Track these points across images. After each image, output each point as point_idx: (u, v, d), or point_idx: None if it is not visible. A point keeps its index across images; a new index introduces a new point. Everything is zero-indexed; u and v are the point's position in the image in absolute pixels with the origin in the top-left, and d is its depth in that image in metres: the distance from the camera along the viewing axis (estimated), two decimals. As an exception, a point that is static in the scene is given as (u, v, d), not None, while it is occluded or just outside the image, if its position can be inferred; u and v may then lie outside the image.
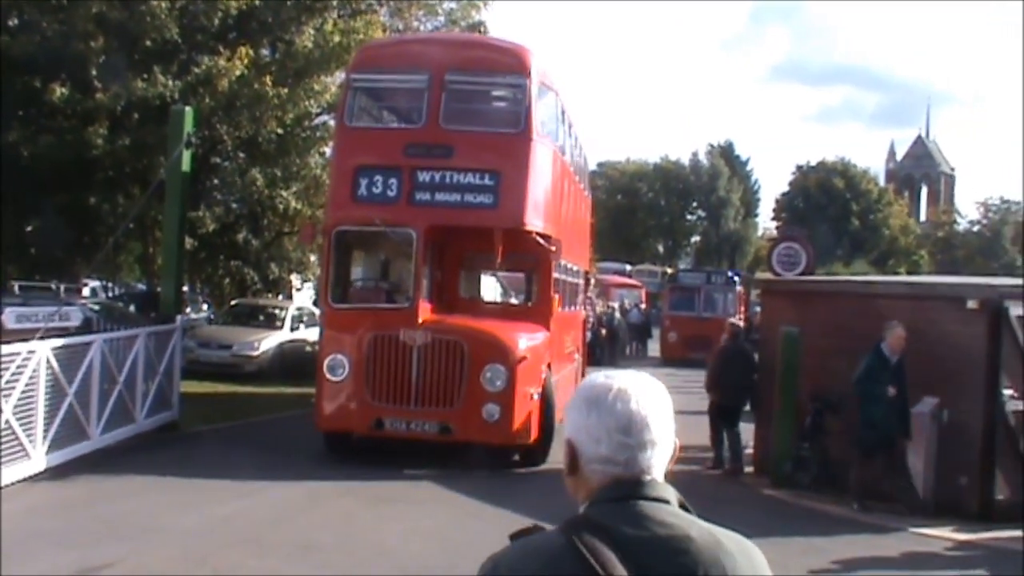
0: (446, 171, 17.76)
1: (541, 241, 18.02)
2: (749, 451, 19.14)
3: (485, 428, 17.16)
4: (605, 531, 2.60)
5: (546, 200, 18.63)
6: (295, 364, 29.17)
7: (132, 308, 32.01)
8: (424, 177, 17.78)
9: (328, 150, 33.65)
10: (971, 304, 15.78)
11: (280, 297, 37.58)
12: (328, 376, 17.32)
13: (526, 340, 17.86)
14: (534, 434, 17.58)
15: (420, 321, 17.22)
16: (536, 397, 17.62)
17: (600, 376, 2.80)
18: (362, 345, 17.16)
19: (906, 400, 15.29)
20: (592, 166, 56.71)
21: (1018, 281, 19.62)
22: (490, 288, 23.63)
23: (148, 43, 28.57)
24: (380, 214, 17.71)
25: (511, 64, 18.65)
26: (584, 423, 2.74)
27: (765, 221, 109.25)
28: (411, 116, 19.49)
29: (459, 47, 20.31)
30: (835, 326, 17.56)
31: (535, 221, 18.07)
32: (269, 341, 29.67)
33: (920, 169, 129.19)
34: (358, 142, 18.73)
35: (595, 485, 2.73)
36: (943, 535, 14.34)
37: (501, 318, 19.84)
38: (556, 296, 19.44)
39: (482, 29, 35.31)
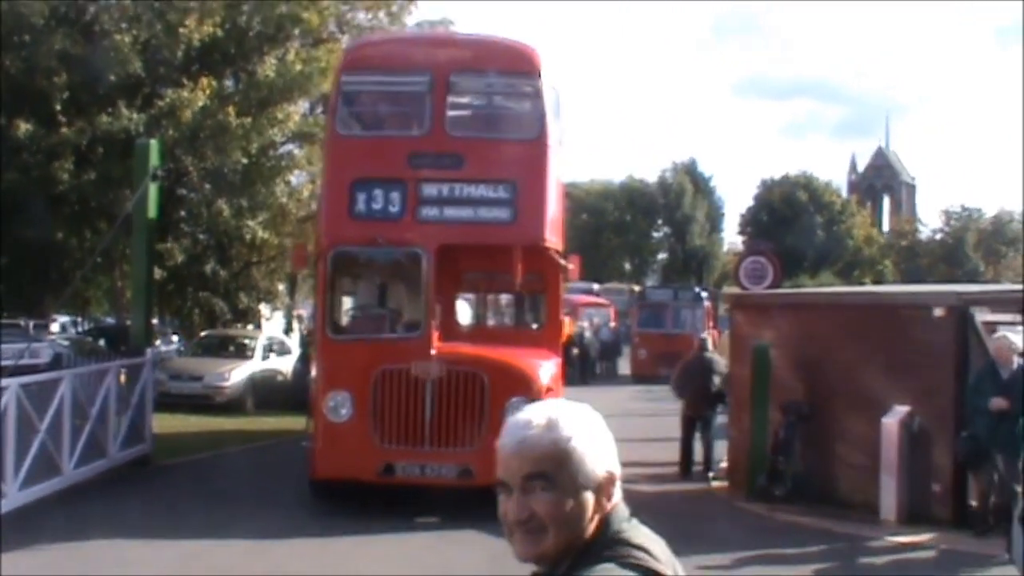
0: (456, 183, 15.97)
1: (558, 259, 16.74)
2: (724, 464, 19.22)
3: None
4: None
5: (558, 213, 17.01)
6: (267, 394, 29.21)
7: (102, 342, 31.91)
8: (431, 190, 15.92)
9: (294, 179, 33.82)
10: (937, 312, 15.85)
11: (250, 327, 37.46)
12: (329, 417, 15.29)
13: (547, 369, 16.12)
14: None
15: (433, 352, 15.13)
16: None
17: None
18: (368, 381, 15.13)
19: (1019, 417, 13.71)
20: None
21: (982, 287, 19.73)
22: (463, 312, 21.42)
23: (112, 78, 28.54)
24: (383, 232, 15.83)
25: (520, 63, 16.68)
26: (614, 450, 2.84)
27: (731, 236, 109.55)
28: (412, 122, 17.15)
29: (462, 45, 17.98)
30: (804, 338, 17.62)
31: (552, 237, 16.50)
32: (240, 371, 29.55)
33: (881, 180, 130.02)
34: (353, 152, 16.60)
35: (610, 508, 2.80)
36: (920, 541, 14.39)
37: (510, 344, 17.16)
38: (566, 319, 17.96)
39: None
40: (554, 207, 16.57)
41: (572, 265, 17.28)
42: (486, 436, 14.41)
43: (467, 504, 13.67)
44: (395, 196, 15.73)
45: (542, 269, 16.65)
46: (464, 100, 17.11)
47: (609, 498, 2.81)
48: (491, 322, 19.62)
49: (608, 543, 2.76)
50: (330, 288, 16.40)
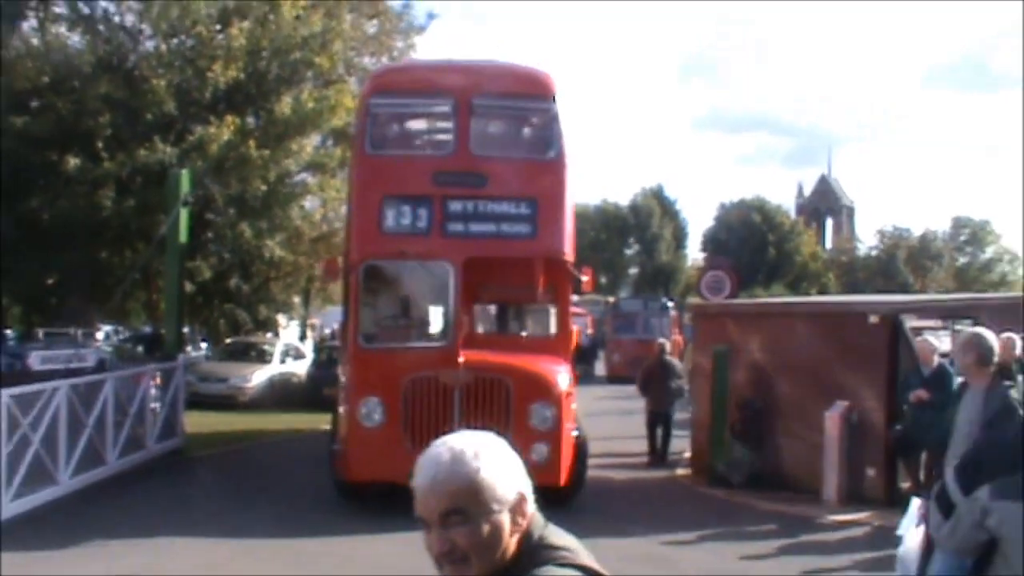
0: (479, 200, 15.21)
1: (574, 271, 15.99)
2: (687, 455, 19.34)
3: (534, 470, 14.25)
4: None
5: (572, 228, 16.04)
6: (284, 394, 29.31)
7: (140, 349, 31.94)
8: (456, 207, 15.15)
9: (307, 203, 33.85)
10: (872, 319, 15.97)
11: (269, 335, 37.45)
12: (362, 423, 14.42)
13: (564, 375, 15.22)
14: (569, 473, 14.91)
15: (461, 360, 14.32)
16: (574, 435, 15.22)
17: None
18: (398, 388, 14.35)
19: (939, 409, 14.18)
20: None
21: (911, 297, 19.83)
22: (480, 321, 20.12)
23: (149, 117, 28.75)
24: (411, 246, 15.07)
25: (537, 88, 15.93)
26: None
27: (694, 253, 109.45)
28: (437, 142, 16.77)
29: (480, 71, 16.62)
30: (758, 342, 17.72)
31: (569, 250, 15.70)
32: (260, 374, 29.70)
33: (825, 203, 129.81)
34: (381, 171, 15.66)
35: (526, 523, 2.70)
36: (858, 519, 14.50)
37: (524, 352, 15.99)
38: (576, 328, 16.95)
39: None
40: (569, 223, 15.89)
41: (586, 277, 16.62)
42: (512, 440, 13.06)
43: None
44: (422, 212, 15.06)
45: (553, 280, 15.95)
46: (485, 122, 16.30)
47: (524, 515, 2.69)
48: (504, 331, 18.53)
49: (534, 551, 2.67)
50: (361, 299, 15.44)
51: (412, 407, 14.28)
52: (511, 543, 2.66)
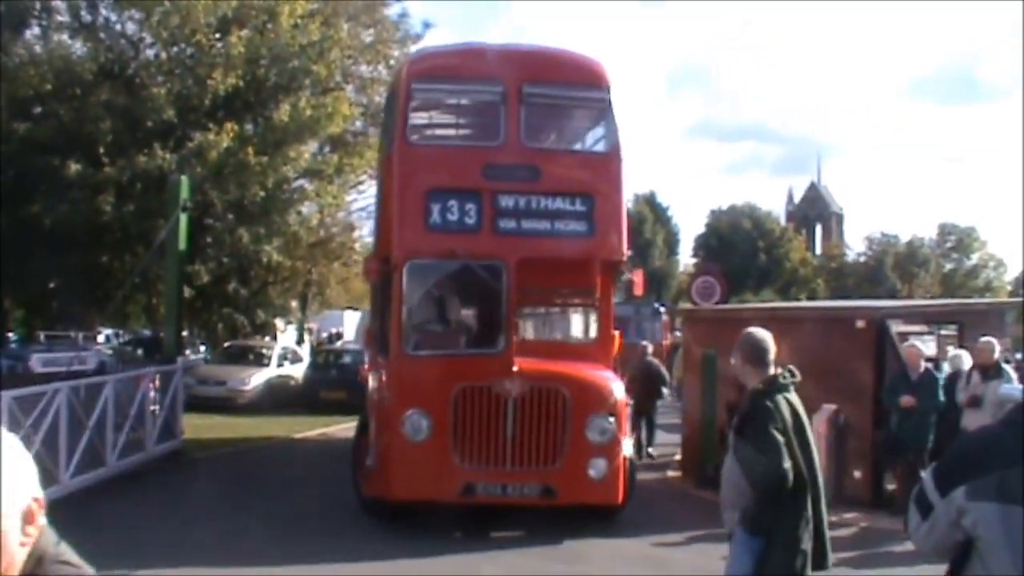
0: (532, 195, 13.76)
1: (629, 274, 15.16)
2: (678, 457, 19.40)
3: (592, 487, 13.13)
4: None
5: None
6: (281, 396, 29.34)
7: (140, 352, 31.98)
8: (507, 202, 13.69)
9: (304, 209, 33.89)
10: (859, 324, 16.03)
11: (267, 338, 37.47)
12: (407, 437, 12.95)
13: (619, 384, 14.06)
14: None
15: (515, 369, 12.97)
16: (627, 448, 14.16)
17: None
18: (447, 399, 12.96)
19: (925, 413, 14.39)
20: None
21: (897, 303, 19.90)
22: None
23: (149, 123, 28.80)
24: (460, 245, 13.48)
25: (590, 76, 14.50)
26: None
27: (685, 259, 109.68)
28: (485, 132, 15.02)
29: (532, 56, 15.05)
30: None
31: (626, 251, 14.55)
32: (258, 377, 29.75)
33: (814, 210, 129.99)
34: (425, 162, 14.22)
35: (38, 535, 2.38)
36: (844, 520, 14.52)
37: (568, 359, 14.44)
38: (617, 332, 15.15)
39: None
40: (625, 221, 14.65)
41: (637, 279, 15.51)
42: (568, 453, 12.96)
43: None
44: (471, 207, 13.57)
45: (593, 283, 14.56)
46: (537, 111, 14.48)
47: (35, 524, 2.35)
48: (546, 336, 17.17)
49: (47, 567, 2.36)
50: (406, 302, 13.76)
51: (461, 420, 12.94)
52: (19, 556, 2.31)
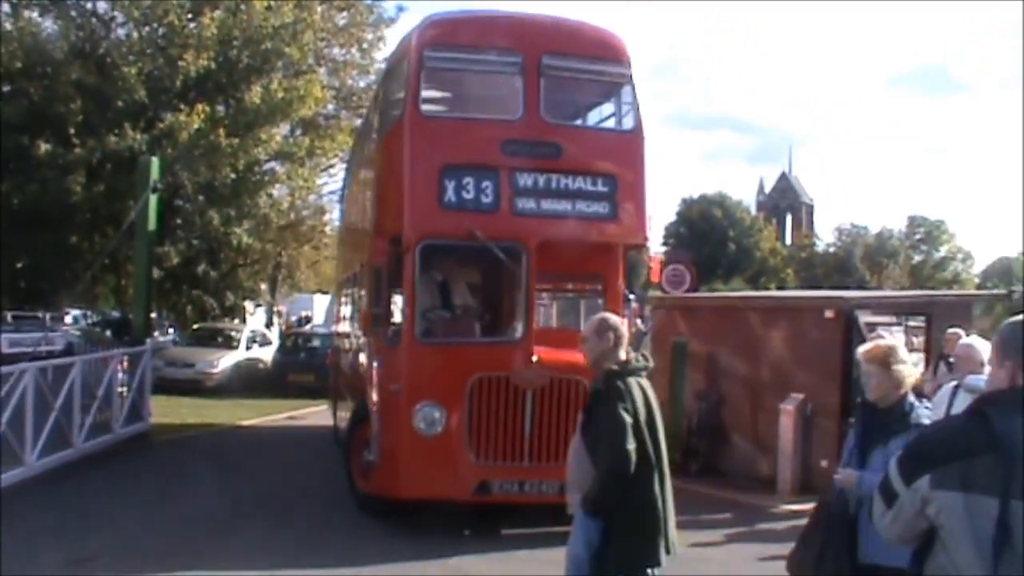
0: (552, 174, 12.81)
1: (648, 260, 13.78)
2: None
3: None
4: None
5: None
6: (250, 379, 29.28)
7: (108, 333, 31.80)
8: (526, 181, 12.73)
9: (275, 192, 33.80)
10: (828, 314, 16.09)
11: (236, 321, 37.37)
12: (420, 431, 12.09)
13: None
14: None
15: (535, 359, 12.20)
16: None
17: None
18: (462, 391, 12.09)
19: None
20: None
21: (866, 294, 20.01)
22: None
23: (119, 103, 28.65)
24: (478, 225, 12.38)
25: (611, 51, 13.55)
26: None
27: (656, 247, 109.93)
28: (503, 106, 13.68)
29: (549, 26, 13.85)
30: (716, 335, 17.84)
31: (650, 236, 13.66)
32: (227, 360, 29.67)
33: (785, 200, 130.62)
34: (439, 135, 13.02)
35: None
36: (809, 508, 14.60)
37: (575, 347, 11.93)
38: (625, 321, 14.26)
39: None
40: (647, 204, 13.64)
41: (654, 265, 14.22)
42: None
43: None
44: (487, 186, 12.60)
45: (601, 269, 13.80)
46: (556, 85, 13.44)
47: None
48: (551, 323, 16.23)
49: None
50: (419, 286, 12.67)
51: (477, 413, 12.12)
52: None
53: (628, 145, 13.40)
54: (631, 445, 6.55)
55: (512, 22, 13.52)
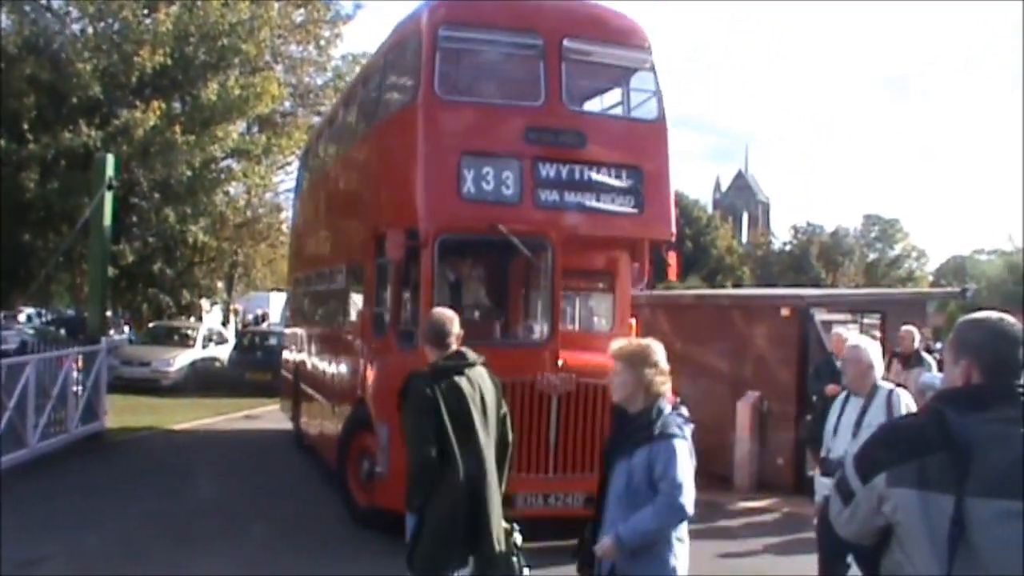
0: (576, 164, 11.93)
1: (669, 258, 13.56)
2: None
3: None
4: None
5: None
6: (206, 378, 29.14)
7: (63, 332, 31.59)
8: (548, 171, 11.80)
9: (231, 189, 33.67)
10: (784, 312, 16.21)
11: (192, 319, 37.18)
12: None
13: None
14: None
15: (561, 363, 11.45)
16: None
17: None
18: None
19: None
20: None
21: (822, 291, 20.14)
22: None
23: (74, 100, 28.41)
24: (499, 218, 11.49)
25: (633, 36, 12.80)
26: None
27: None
28: (524, 91, 12.63)
29: (571, 9, 12.96)
30: (673, 333, 17.89)
31: (675, 231, 12.96)
32: (183, 358, 29.51)
33: (741, 199, 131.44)
34: (457, 120, 11.97)
35: None
36: (768, 506, 14.74)
37: (591, 349, 12.09)
38: (634, 321, 13.60)
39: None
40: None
41: (672, 261, 13.93)
42: None
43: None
44: (508, 176, 11.67)
45: (612, 267, 13.44)
46: (578, 69, 12.61)
47: None
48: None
49: None
50: (437, 283, 11.75)
51: None
52: None
53: (652, 135, 12.65)
54: (426, 447, 6.58)
55: (531, 2, 12.75)
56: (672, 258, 13.84)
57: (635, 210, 12.16)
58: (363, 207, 14.23)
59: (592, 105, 13.61)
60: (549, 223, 11.63)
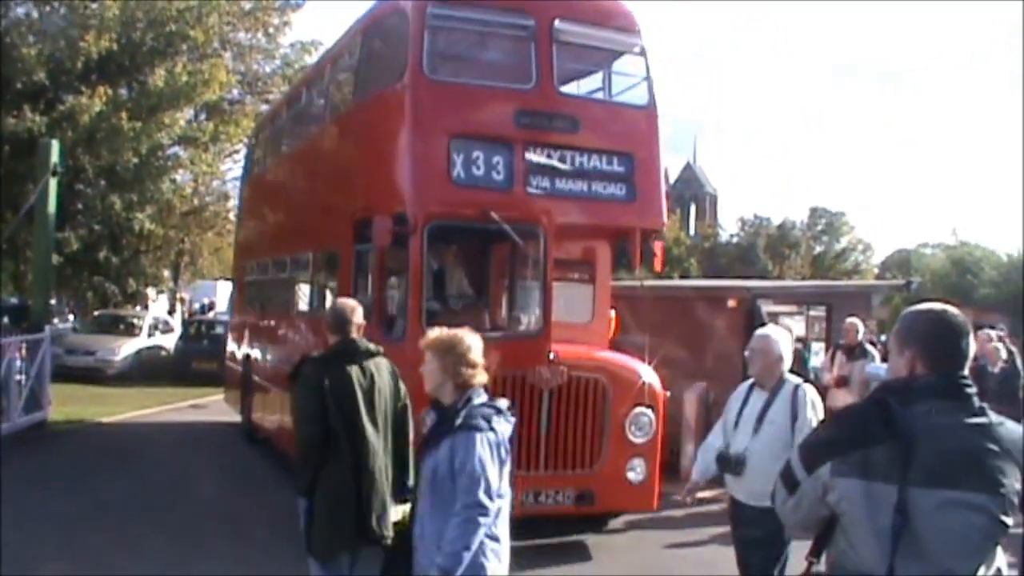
0: (567, 150, 11.55)
1: (655, 247, 12.81)
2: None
3: (630, 491, 11.73)
4: None
5: None
6: (152, 367, 28.95)
7: (6, 320, 31.22)
8: (539, 157, 11.38)
9: (178, 177, 33.37)
10: (730, 303, 16.33)
11: (138, 308, 36.88)
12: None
13: (654, 374, 12.31)
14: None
15: (552, 356, 11.10)
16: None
17: None
18: None
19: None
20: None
21: (769, 283, 20.29)
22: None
23: (18, 85, 28.05)
24: (490, 204, 10.95)
25: (622, 18, 12.41)
26: None
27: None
28: (515, 73, 12.10)
29: None
30: (620, 324, 17.95)
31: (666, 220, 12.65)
32: (128, 347, 29.31)
33: (689, 190, 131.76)
34: (447, 101, 11.40)
35: None
36: (714, 496, 14.78)
37: (571, 341, 12.01)
38: (614, 313, 13.66)
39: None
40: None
41: (659, 252, 13.06)
42: (608, 454, 11.38)
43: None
44: (498, 161, 11.22)
45: (592, 257, 13.25)
46: (570, 52, 12.18)
47: None
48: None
49: None
50: (426, 271, 11.21)
51: None
52: None
53: (645, 122, 12.28)
54: (309, 428, 6.79)
55: None
56: (659, 248, 13.16)
57: (626, 198, 11.88)
58: (337, 192, 13.68)
59: (583, 89, 13.19)
60: (542, 210, 11.27)
